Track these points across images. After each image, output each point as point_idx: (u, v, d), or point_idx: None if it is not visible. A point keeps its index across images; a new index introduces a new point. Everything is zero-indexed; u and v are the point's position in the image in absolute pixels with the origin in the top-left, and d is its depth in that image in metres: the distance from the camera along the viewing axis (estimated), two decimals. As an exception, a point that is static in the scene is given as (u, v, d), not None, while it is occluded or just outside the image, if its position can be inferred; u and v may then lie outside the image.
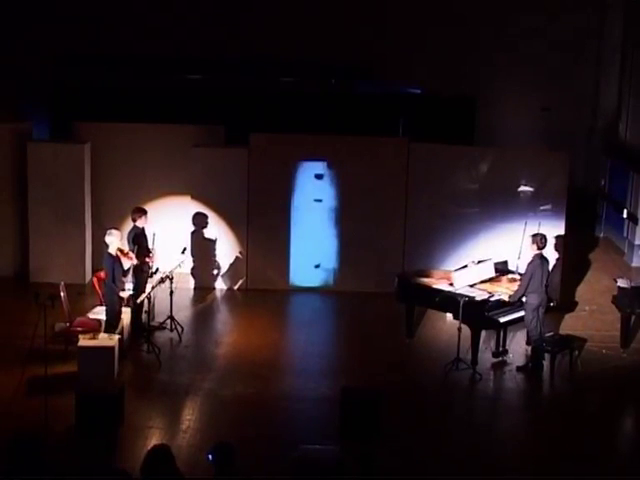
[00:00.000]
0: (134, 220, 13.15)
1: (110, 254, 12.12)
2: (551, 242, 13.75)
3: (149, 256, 13.06)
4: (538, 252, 12.32)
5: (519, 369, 12.53)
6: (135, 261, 12.61)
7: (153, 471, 6.68)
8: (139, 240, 13.01)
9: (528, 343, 12.83)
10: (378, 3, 19.94)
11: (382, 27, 19.81)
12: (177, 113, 17.46)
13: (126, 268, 12.37)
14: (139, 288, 12.82)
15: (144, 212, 13.29)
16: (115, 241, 12.20)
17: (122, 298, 12.36)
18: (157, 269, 12.94)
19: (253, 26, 19.75)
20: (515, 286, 12.88)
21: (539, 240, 12.30)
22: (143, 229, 13.17)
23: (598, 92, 20.52)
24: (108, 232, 12.33)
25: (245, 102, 18.53)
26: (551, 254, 13.26)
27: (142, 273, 12.96)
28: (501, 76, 20.27)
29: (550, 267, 12.68)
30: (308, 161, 15.30)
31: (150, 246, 13.17)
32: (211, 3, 20.01)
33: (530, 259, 12.37)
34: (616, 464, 10.38)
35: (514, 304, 12.60)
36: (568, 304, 14.67)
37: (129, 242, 12.86)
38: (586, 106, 20.53)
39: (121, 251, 12.28)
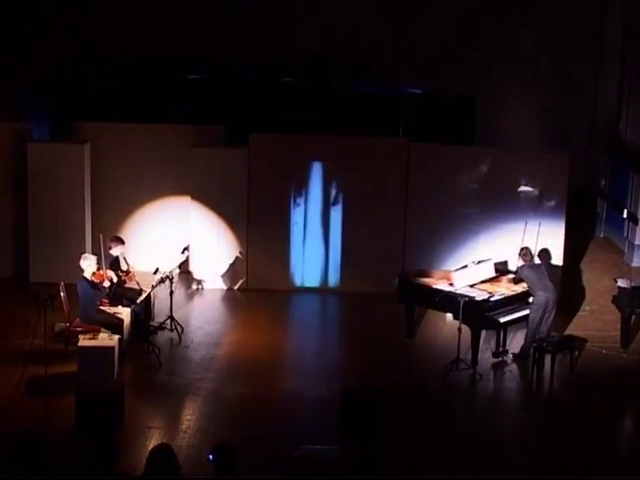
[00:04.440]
0: (109, 248, 13.23)
1: (85, 278, 12.25)
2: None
3: (128, 277, 13.16)
4: (524, 263, 12.79)
5: (515, 357, 12.70)
6: (115, 278, 12.73)
7: (157, 470, 6.69)
8: (114, 266, 13.12)
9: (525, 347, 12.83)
10: (378, 3, 19.95)
11: (382, 27, 19.81)
12: (177, 113, 17.46)
13: (107, 286, 12.57)
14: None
15: (120, 242, 13.40)
16: (91, 265, 12.36)
17: (102, 311, 12.51)
18: (157, 269, 12.96)
19: (253, 26, 19.76)
20: (515, 286, 12.94)
21: (524, 254, 12.80)
22: (117, 257, 13.29)
23: (598, 92, 20.52)
24: (83, 257, 12.59)
25: (245, 102, 18.52)
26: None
27: (124, 291, 13.11)
28: (501, 76, 20.27)
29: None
30: (308, 161, 15.30)
31: (125, 268, 13.30)
32: (211, 3, 20.02)
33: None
34: (616, 464, 10.38)
35: (514, 304, 12.67)
36: (568, 304, 14.65)
37: (108, 269, 12.91)
38: (586, 106, 20.53)
39: (97, 274, 12.39)
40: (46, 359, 10.76)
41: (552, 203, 14.78)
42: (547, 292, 12.55)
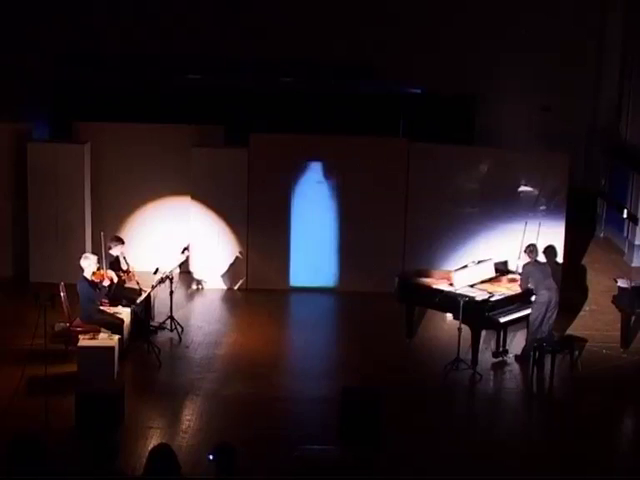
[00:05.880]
0: (109, 248, 13.25)
1: (85, 278, 12.26)
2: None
3: (128, 277, 13.18)
4: (530, 260, 12.72)
5: (517, 358, 12.71)
6: (115, 278, 12.73)
7: (157, 470, 6.70)
8: (114, 266, 13.12)
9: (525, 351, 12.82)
10: (378, 3, 19.94)
11: (382, 27, 19.81)
12: (177, 113, 17.46)
13: (107, 286, 12.57)
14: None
15: (120, 241, 13.42)
16: (91, 265, 12.36)
17: (102, 311, 12.54)
18: (157, 269, 12.96)
19: (253, 26, 19.75)
20: (515, 286, 12.93)
21: (530, 251, 12.75)
22: (117, 257, 13.30)
23: (598, 92, 20.52)
24: (84, 256, 12.59)
25: (245, 102, 18.53)
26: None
27: (124, 291, 13.16)
28: (501, 76, 20.25)
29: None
30: (308, 161, 15.31)
31: (125, 268, 13.30)
32: (211, 3, 20.02)
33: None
34: (616, 464, 10.39)
35: (514, 304, 12.68)
36: (568, 304, 14.63)
37: (108, 268, 12.92)
38: (586, 106, 20.52)
39: (97, 274, 12.39)
40: (46, 359, 10.75)
41: (553, 203, 14.78)
42: (550, 291, 12.54)
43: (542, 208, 14.79)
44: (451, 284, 12.83)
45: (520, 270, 12.97)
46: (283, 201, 15.35)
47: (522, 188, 14.99)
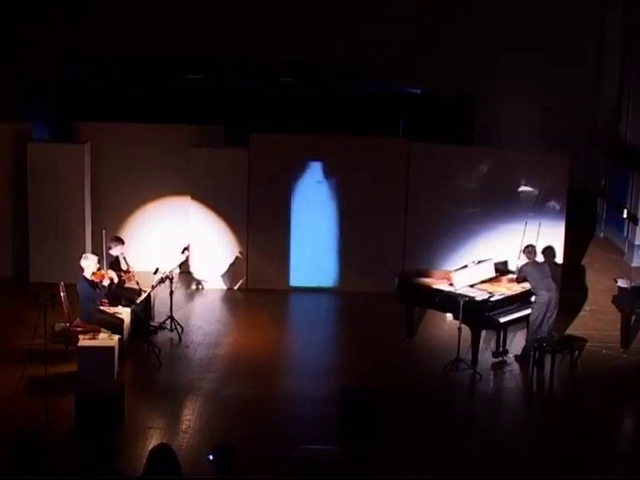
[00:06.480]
0: (109, 248, 13.24)
1: (85, 277, 12.26)
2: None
3: (128, 277, 13.18)
4: (529, 261, 12.73)
5: (517, 359, 12.70)
6: (115, 278, 12.73)
7: (157, 470, 6.69)
8: (114, 266, 13.11)
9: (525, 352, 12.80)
10: (378, 3, 19.95)
11: (382, 27, 19.82)
12: (177, 113, 17.47)
13: (106, 285, 12.56)
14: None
15: (120, 241, 13.42)
16: (91, 265, 12.37)
17: (102, 311, 12.54)
18: (157, 269, 12.96)
19: (253, 26, 19.76)
20: (515, 286, 12.92)
21: (528, 251, 12.76)
22: (117, 257, 13.30)
23: (598, 92, 20.53)
24: (84, 256, 12.61)
25: (245, 102, 18.53)
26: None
27: (124, 291, 13.17)
28: (501, 76, 20.26)
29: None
30: (308, 161, 15.31)
31: (125, 268, 13.29)
32: (211, 3, 20.02)
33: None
34: (616, 464, 10.39)
35: (514, 304, 12.67)
36: (568, 304, 14.63)
37: (108, 268, 12.92)
38: (586, 106, 20.53)
39: (97, 274, 12.39)
40: (46, 359, 10.75)
41: (552, 204, 14.77)
42: (550, 292, 12.55)
43: (542, 208, 14.77)
44: (451, 284, 12.83)
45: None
46: (283, 201, 15.35)
47: (522, 188, 14.99)
